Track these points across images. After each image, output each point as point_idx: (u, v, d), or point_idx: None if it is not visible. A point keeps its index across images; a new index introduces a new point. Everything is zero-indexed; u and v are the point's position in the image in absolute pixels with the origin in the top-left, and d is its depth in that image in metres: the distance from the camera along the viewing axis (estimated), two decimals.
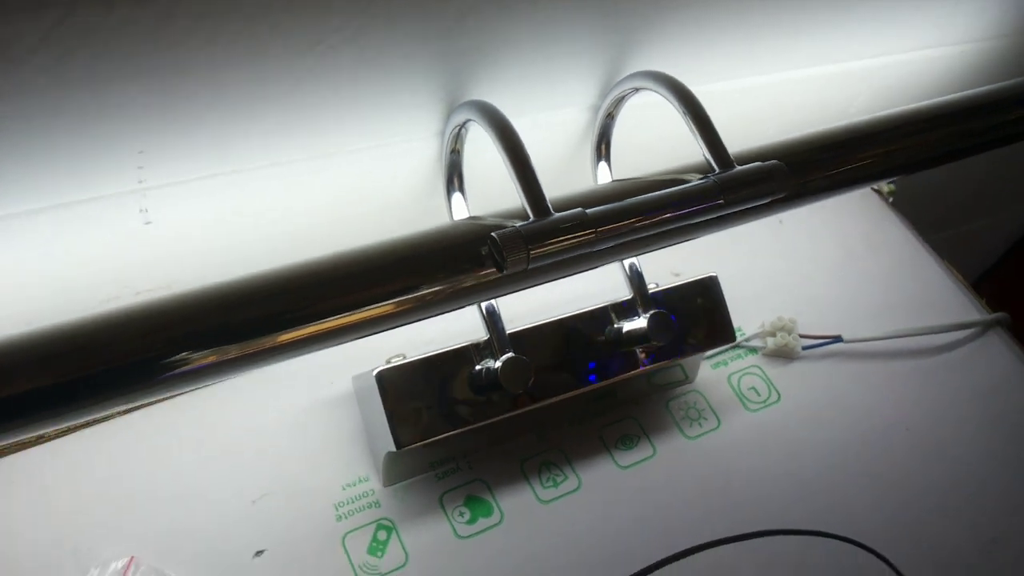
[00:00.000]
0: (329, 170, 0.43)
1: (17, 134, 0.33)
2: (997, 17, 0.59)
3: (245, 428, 0.51)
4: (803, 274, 0.66)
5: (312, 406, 0.52)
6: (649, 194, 0.37)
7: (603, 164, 0.49)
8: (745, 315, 0.61)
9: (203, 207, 0.40)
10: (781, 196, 0.40)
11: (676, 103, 0.41)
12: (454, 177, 0.45)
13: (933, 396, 0.61)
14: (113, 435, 0.50)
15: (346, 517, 0.49)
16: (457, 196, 0.45)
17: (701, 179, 0.39)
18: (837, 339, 0.61)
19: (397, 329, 0.54)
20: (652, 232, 0.37)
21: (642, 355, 0.51)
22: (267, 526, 0.48)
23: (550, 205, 0.37)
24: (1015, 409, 0.62)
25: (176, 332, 0.34)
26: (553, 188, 0.41)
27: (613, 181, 0.47)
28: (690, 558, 0.52)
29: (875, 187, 0.73)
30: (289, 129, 0.39)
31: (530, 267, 0.36)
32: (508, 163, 0.37)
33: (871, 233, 0.70)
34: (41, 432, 0.48)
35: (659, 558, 0.52)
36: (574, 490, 0.53)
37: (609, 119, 0.46)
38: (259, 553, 0.47)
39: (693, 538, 0.52)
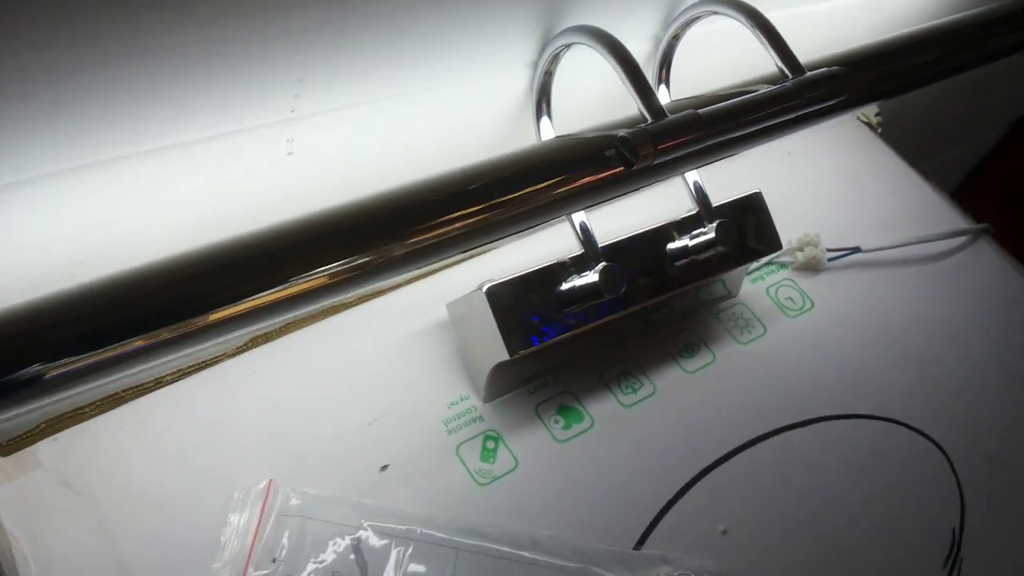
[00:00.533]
0: (431, 102, 0.47)
1: (194, 65, 0.36)
2: None
3: (352, 360, 0.54)
4: (814, 198, 0.72)
5: (409, 337, 0.56)
6: (748, 96, 0.42)
7: (663, 87, 0.54)
8: None
9: (337, 137, 0.44)
10: (843, 98, 0.46)
11: (746, 21, 0.46)
12: (543, 101, 0.49)
13: (941, 294, 0.68)
14: (228, 375, 0.52)
15: (455, 431, 0.53)
16: (545, 120, 0.50)
17: (779, 86, 0.44)
18: (856, 250, 0.68)
19: (472, 265, 0.59)
20: (753, 129, 0.42)
21: (706, 264, 0.56)
22: (387, 444, 0.52)
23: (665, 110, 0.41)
24: (1009, 302, 0.70)
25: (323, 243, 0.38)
26: (618, 113, 0.46)
27: (674, 100, 0.52)
28: (758, 445, 0.57)
29: (864, 119, 0.80)
30: (417, 58, 0.42)
31: (655, 162, 0.40)
32: (623, 74, 0.42)
33: (867, 160, 0.77)
34: (159, 376, 0.51)
35: (731, 448, 0.57)
36: (650, 395, 0.58)
37: (674, 40, 0.51)
38: (384, 467, 0.51)
39: (757, 428, 0.58)
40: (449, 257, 0.40)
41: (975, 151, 1.02)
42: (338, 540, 0.46)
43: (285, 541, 0.46)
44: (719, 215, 0.56)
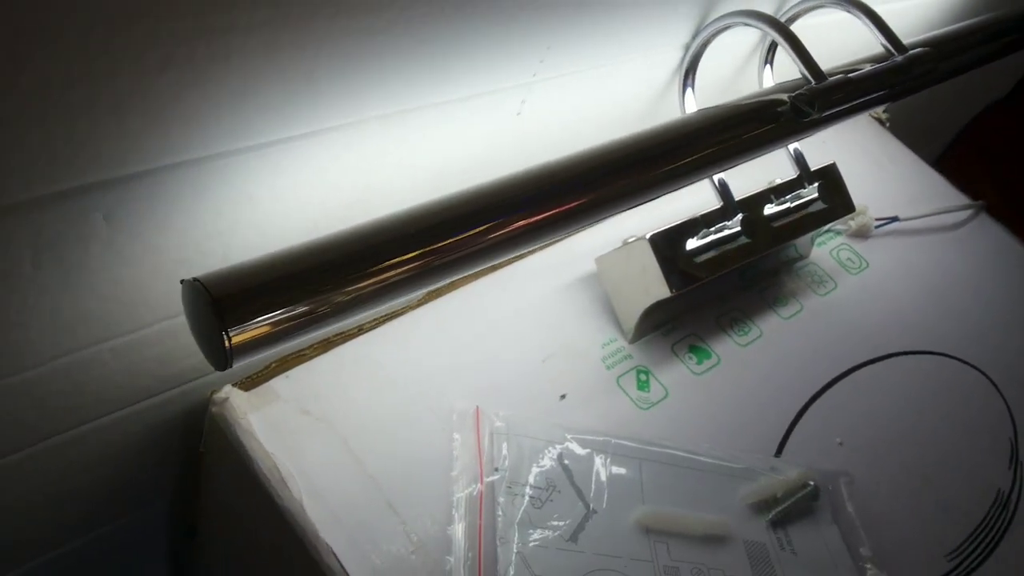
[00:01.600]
0: (608, 76, 0.56)
1: (473, 36, 0.44)
2: None
3: (515, 310, 0.61)
4: (850, 178, 0.83)
5: (559, 289, 0.63)
6: (880, 66, 0.53)
7: (767, 68, 0.64)
8: None
9: (557, 100, 0.52)
10: (943, 70, 0.57)
11: (855, 11, 0.57)
12: (689, 76, 0.58)
13: (964, 254, 0.81)
14: (415, 324, 0.59)
15: (613, 367, 0.61)
16: (689, 92, 0.59)
17: (892, 61, 0.55)
18: (895, 219, 0.80)
19: (591, 233, 0.67)
20: (882, 93, 0.52)
21: (804, 221, 0.66)
22: (559, 378, 0.59)
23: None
24: (1013, 263, 0.83)
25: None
26: (727, 95, 0.56)
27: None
28: (849, 376, 0.67)
29: (875, 116, 0.93)
30: (616, 35, 0.51)
31: (823, 114, 0.50)
32: (788, 47, 0.51)
33: (882, 149, 0.89)
34: (360, 325, 0.57)
35: (829, 379, 0.67)
36: (759, 337, 0.67)
37: (791, 21, 0.61)
38: (563, 396, 0.58)
39: (846, 363, 0.68)
40: (674, 190, 0.48)
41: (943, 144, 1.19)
42: (549, 449, 0.53)
43: (505, 453, 0.53)
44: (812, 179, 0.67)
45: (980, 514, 0.63)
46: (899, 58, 0.55)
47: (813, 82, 0.51)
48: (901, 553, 0.59)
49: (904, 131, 0.94)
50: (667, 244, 0.59)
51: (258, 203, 0.43)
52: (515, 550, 0.49)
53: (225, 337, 0.32)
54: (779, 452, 0.61)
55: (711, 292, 0.67)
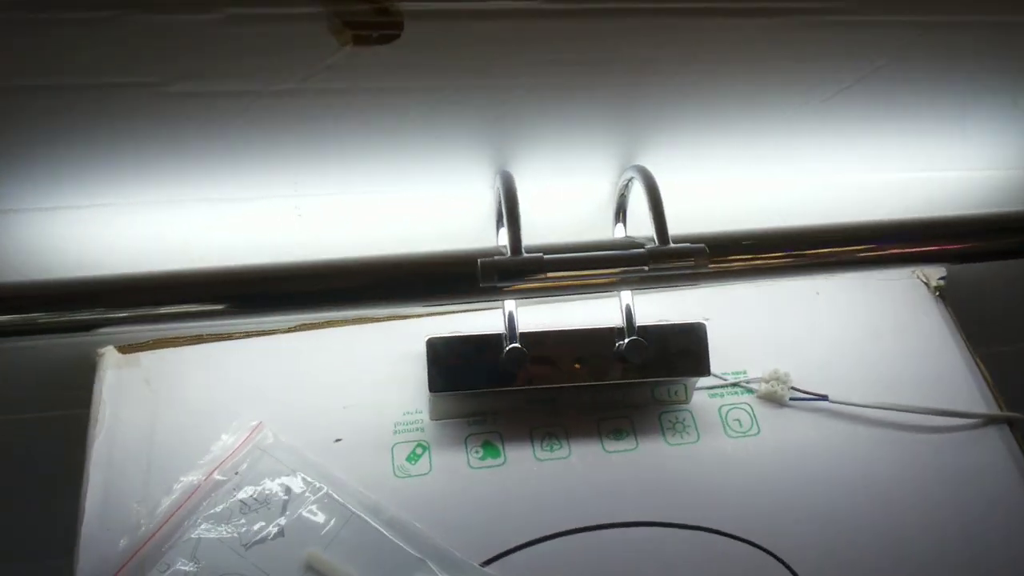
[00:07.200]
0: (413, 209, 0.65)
1: (232, 159, 0.58)
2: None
3: (357, 359, 0.74)
4: (815, 340, 0.78)
5: (395, 360, 0.74)
6: (595, 252, 0.55)
7: (620, 225, 0.67)
8: (755, 361, 0.75)
9: (329, 210, 0.64)
10: (702, 271, 0.56)
11: (644, 188, 0.58)
12: (500, 217, 0.65)
13: (889, 461, 0.71)
14: (277, 345, 0.75)
15: (399, 433, 0.71)
16: (503, 230, 0.65)
17: (635, 250, 0.56)
18: (823, 398, 0.74)
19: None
20: (585, 283, 0.55)
21: (629, 370, 0.68)
22: (349, 425, 0.71)
23: (523, 248, 0.56)
24: (989, 501, 0.71)
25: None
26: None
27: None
28: (627, 529, 0.67)
29: (923, 279, 0.82)
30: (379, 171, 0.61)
31: (498, 284, 0.55)
32: (505, 211, 0.57)
33: (906, 317, 0.80)
34: (230, 333, 0.75)
35: (600, 523, 0.68)
36: (565, 457, 0.71)
37: (623, 198, 0.63)
38: (338, 440, 0.71)
39: (635, 515, 0.68)
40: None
41: None
42: (287, 475, 0.67)
43: (250, 463, 0.68)
44: (656, 333, 0.67)
45: None
46: (640, 250, 0.56)
47: (508, 254, 0.55)
48: None
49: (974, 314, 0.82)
50: (452, 349, 0.67)
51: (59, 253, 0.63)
52: (196, 534, 0.65)
53: None
54: (488, 564, 0.66)
55: (539, 402, 0.72)
